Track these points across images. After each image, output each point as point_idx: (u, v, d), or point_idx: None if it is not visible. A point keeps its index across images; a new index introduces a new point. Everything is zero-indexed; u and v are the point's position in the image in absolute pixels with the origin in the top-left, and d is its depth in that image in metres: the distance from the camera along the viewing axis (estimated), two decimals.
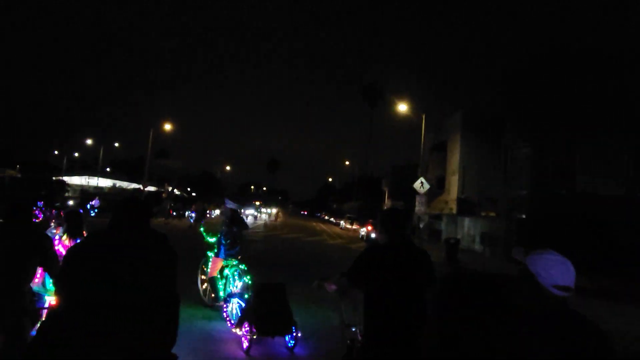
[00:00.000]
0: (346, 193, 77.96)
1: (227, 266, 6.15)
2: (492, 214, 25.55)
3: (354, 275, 2.84)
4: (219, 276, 6.23)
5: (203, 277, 6.95)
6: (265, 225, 37.81)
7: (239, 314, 5.32)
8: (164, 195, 43.46)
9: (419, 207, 25.74)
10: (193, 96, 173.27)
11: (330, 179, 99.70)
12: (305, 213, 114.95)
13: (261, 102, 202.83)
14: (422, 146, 26.10)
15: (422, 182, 25.16)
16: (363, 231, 30.10)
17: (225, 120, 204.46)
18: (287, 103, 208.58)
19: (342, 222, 46.13)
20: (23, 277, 2.99)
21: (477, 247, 24.72)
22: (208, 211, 39.36)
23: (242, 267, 6.14)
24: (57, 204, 21.99)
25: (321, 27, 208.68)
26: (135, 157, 66.69)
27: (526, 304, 1.77)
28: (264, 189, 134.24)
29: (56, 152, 70.95)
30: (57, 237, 5.53)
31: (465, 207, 28.38)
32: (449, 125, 32.48)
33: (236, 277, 6.04)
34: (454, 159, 30.80)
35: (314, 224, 55.16)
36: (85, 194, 47.58)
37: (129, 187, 53.55)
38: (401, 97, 25.48)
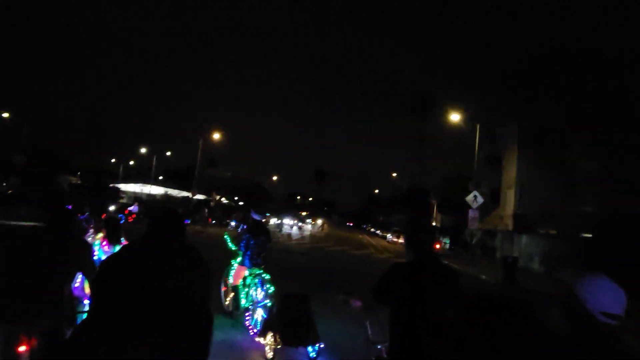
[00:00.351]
0: (393, 205, 76.43)
1: (250, 275, 6.11)
2: (553, 232, 23.79)
3: (378, 291, 2.78)
4: (242, 284, 6.21)
5: (225, 286, 6.97)
6: (311, 236, 37.46)
7: (262, 323, 5.36)
8: (212, 203, 44.14)
9: (472, 222, 24.42)
10: (243, 107, 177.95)
11: (376, 191, 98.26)
12: (351, 224, 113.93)
13: (309, 113, 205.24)
14: (475, 158, 24.83)
15: (475, 196, 23.88)
16: None
17: (273, 130, 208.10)
18: (334, 113, 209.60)
19: (389, 235, 44.97)
20: (61, 283, 3.05)
21: (536, 267, 23.01)
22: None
23: (265, 276, 6.04)
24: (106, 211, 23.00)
25: (368, 39, 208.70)
26: (186, 166, 68.68)
27: (568, 328, 1.69)
28: (310, 199, 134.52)
29: (113, 160, 74.44)
30: (97, 243, 5.36)
31: (523, 223, 26.63)
32: (504, 135, 30.85)
33: (259, 286, 5.98)
34: (510, 172, 29.12)
35: (360, 236, 54.25)
36: (138, 201, 49.55)
37: (179, 195, 54.97)
38: (452, 107, 24.39)
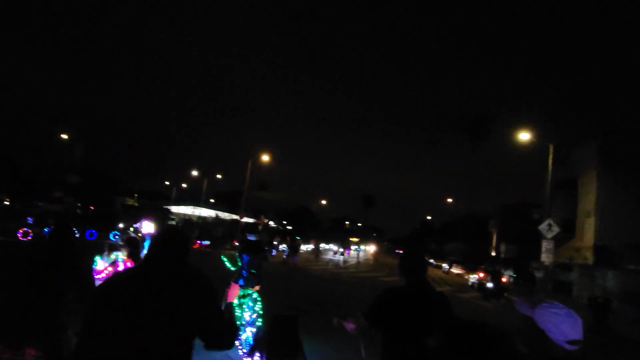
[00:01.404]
0: (446, 233, 72.63)
1: (243, 295, 6.17)
2: None
3: (371, 314, 2.87)
4: (236, 303, 6.18)
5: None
6: (362, 264, 35.39)
7: (251, 343, 5.53)
8: (260, 227, 43.36)
9: (546, 254, 21.58)
10: (293, 131, 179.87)
11: (428, 217, 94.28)
12: (401, 251, 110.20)
13: (358, 137, 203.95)
14: (548, 182, 22.20)
15: (550, 225, 21.15)
16: (473, 278, 26.30)
17: (322, 154, 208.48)
18: (383, 137, 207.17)
19: (444, 265, 41.93)
20: (61, 297, 2.95)
21: (628, 308, 19.73)
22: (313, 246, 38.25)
23: (255, 295, 6.14)
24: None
25: (420, 62, 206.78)
26: (237, 189, 69.19)
27: (535, 357, 1.78)
28: (359, 224, 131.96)
29: (167, 183, 76.35)
30: (120, 260, 5.42)
31: (604, 256, 23.38)
32: (578, 158, 27.74)
33: (250, 306, 6.06)
34: (589, 198, 25.94)
35: None
36: (188, 222, 50.00)
37: (227, 218, 54.96)
38: (515, 127, 22.05)
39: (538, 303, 1.84)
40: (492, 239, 54.61)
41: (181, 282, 2.00)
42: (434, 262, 54.89)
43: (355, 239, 76.66)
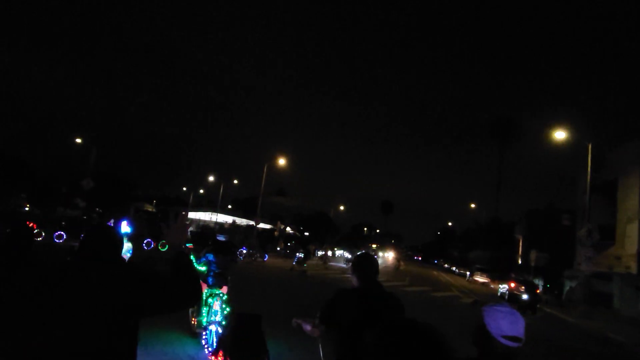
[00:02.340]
0: (468, 239, 70.23)
1: (210, 295, 6.21)
2: None
3: (325, 317, 2.92)
4: (203, 300, 6.23)
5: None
6: (383, 272, 33.82)
7: (216, 342, 5.65)
8: (275, 233, 42.22)
9: (586, 263, 19.83)
10: (312, 137, 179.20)
11: (449, 223, 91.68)
12: (419, 258, 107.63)
13: (377, 142, 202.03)
14: (587, 185, 20.50)
15: (589, 231, 19.42)
16: (503, 288, 24.55)
17: (341, 159, 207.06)
18: (402, 143, 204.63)
19: (468, 274, 39.95)
20: None
21: None
22: (322, 252, 36.86)
23: (223, 296, 6.22)
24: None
25: (441, 63, 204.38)
26: (253, 195, 68.42)
27: (475, 353, 1.93)
28: (377, 231, 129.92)
29: (184, 189, 76.11)
30: None
31: None
32: (619, 159, 25.79)
33: (218, 306, 6.10)
34: (630, 202, 23.97)
35: (435, 273, 49.41)
36: (206, 228, 49.41)
37: (243, 224, 54.20)
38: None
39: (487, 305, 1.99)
40: (517, 246, 52.36)
41: (106, 274, 1.94)
42: (456, 270, 52.85)
43: (374, 246, 74.93)
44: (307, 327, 3.04)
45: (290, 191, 71.79)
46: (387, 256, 69.07)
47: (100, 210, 39.69)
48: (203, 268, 6.35)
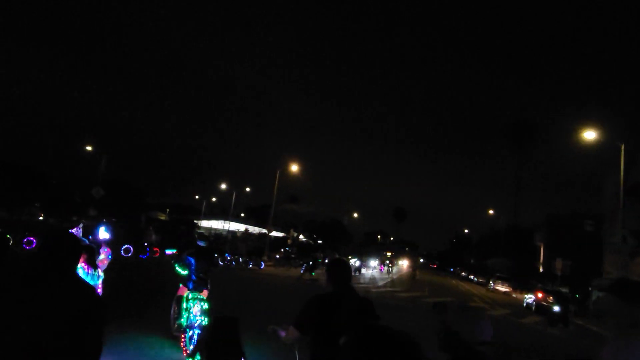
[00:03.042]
0: (485, 247, 68.44)
1: (190, 298, 6.26)
2: None
3: (300, 323, 2.94)
4: (184, 298, 6.34)
5: (175, 307, 6.95)
6: (399, 282, 32.60)
7: (194, 345, 5.78)
8: (289, 241, 41.32)
9: (619, 271, 18.55)
10: (324, 144, 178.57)
11: (466, 230, 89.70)
12: (435, 266, 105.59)
13: (389, 148, 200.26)
14: (621, 188, 19.22)
15: (624, 237, 18.17)
16: (529, 298, 23.26)
17: (353, 166, 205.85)
18: (414, 148, 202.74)
19: (491, 283, 38.44)
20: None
21: None
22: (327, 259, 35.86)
23: (203, 300, 6.25)
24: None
25: (454, 67, 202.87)
26: (266, 203, 67.83)
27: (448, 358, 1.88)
28: (391, 238, 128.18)
29: (197, 197, 75.81)
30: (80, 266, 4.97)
31: None
32: None
33: (197, 309, 6.12)
34: None
35: (453, 281, 47.93)
36: (219, 237, 48.88)
37: (255, 232, 53.54)
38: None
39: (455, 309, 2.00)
40: (538, 253, 50.66)
41: (62, 291, 1.94)
42: (475, 279, 51.25)
43: (388, 254, 73.72)
44: (282, 334, 3.07)
45: (302, 198, 71.03)
46: (402, 264, 67.59)
47: (114, 219, 39.42)
48: (185, 272, 6.52)
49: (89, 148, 31.68)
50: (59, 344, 1.82)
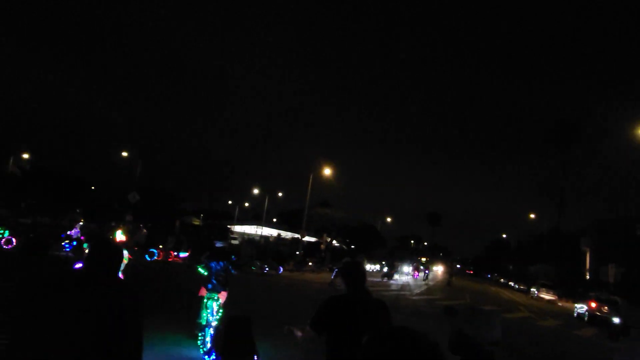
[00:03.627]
0: (524, 252, 65.70)
1: (208, 298, 6.49)
2: None
3: (316, 323, 3.02)
4: (205, 299, 6.52)
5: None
6: (436, 289, 31.43)
7: (210, 343, 6.10)
8: (322, 246, 40.70)
9: None
10: (357, 147, 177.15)
11: (504, 235, 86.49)
12: (472, 272, 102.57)
13: (422, 151, 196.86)
14: None
15: None
16: (580, 308, 21.77)
17: (386, 169, 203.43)
18: (449, 151, 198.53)
19: (533, 290, 36.60)
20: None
21: None
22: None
23: (218, 300, 6.47)
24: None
25: (490, 67, 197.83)
26: (299, 207, 67.59)
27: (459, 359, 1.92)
28: (425, 243, 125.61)
29: (230, 202, 76.49)
30: None
31: None
32: None
33: (214, 309, 6.41)
34: None
35: (492, 288, 46.06)
36: (252, 242, 48.96)
37: (287, 237, 53.32)
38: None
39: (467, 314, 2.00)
40: (584, 259, 48.12)
41: (110, 291, 2.22)
42: (516, 286, 49.15)
43: (423, 259, 71.95)
44: (298, 334, 3.15)
45: (334, 202, 70.23)
46: (436, 270, 65.77)
47: (149, 224, 40.06)
48: (205, 272, 6.70)
49: (124, 154, 32.13)
50: (108, 336, 2.09)
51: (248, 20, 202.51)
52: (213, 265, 6.65)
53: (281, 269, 24.87)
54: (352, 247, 56.56)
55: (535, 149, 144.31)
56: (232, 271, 7.19)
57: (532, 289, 37.41)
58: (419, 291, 26.04)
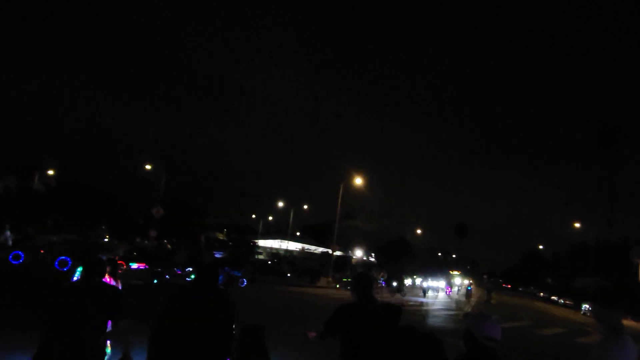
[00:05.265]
0: (565, 264, 62.05)
1: None
2: None
3: (329, 327, 3.40)
4: None
5: None
6: (480, 308, 28.93)
7: None
8: (353, 260, 38.71)
9: None
10: (383, 160, 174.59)
11: (540, 246, 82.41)
12: (509, 287, 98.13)
13: (449, 162, 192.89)
14: None
15: None
16: None
17: (410, 181, 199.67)
18: (480, 158, 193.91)
19: (585, 307, 33.70)
20: (95, 330, 3.22)
21: None
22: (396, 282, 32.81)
23: None
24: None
25: (522, 72, 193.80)
26: (324, 220, 65.69)
27: (465, 351, 2.32)
28: (453, 256, 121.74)
29: (254, 216, 75.29)
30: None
31: None
32: None
33: None
34: None
35: (537, 303, 43.02)
36: (276, 256, 47.53)
37: (316, 251, 51.45)
38: None
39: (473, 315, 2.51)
40: (636, 271, 44.67)
41: (213, 300, 3.00)
42: (561, 301, 45.98)
43: (455, 272, 68.86)
44: (312, 334, 3.53)
45: (358, 214, 68.14)
46: (466, 284, 62.64)
47: (174, 240, 38.96)
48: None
49: (148, 167, 31.07)
50: (210, 337, 2.79)
51: (266, 32, 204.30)
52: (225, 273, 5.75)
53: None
54: (383, 262, 54.20)
55: (569, 156, 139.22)
56: (236, 273, 6.55)
57: (583, 305, 34.47)
58: (469, 310, 23.74)
